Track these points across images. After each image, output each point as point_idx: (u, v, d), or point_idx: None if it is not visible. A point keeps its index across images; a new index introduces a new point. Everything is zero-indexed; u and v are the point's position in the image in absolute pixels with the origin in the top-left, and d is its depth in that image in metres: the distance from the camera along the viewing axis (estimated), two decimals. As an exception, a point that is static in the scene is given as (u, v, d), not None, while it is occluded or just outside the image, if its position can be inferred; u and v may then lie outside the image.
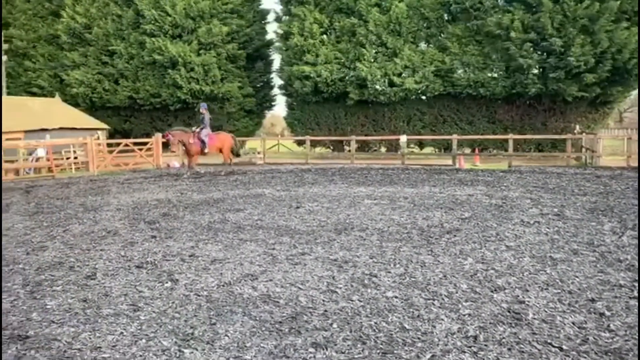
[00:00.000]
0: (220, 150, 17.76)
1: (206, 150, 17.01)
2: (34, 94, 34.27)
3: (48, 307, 4.38)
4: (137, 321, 4.04)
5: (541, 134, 24.07)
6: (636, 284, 4.80)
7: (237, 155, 19.56)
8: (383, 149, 30.08)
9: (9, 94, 32.93)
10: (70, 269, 5.61)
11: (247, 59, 34.13)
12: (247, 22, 33.55)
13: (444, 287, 4.83)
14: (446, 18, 28.07)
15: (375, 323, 3.98)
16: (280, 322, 4.02)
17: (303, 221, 8.28)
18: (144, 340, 3.67)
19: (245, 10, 33.70)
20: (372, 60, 28.41)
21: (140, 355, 3.42)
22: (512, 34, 23.94)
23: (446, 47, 27.16)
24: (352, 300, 4.50)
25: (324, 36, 30.61)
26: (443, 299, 4.51)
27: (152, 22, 32.29)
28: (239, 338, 3.71)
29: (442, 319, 4.05)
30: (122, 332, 3.81)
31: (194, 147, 16.73)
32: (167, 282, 5.07)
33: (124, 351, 3.50)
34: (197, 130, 16.92)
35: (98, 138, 22.68)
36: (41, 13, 36.79)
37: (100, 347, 3.55)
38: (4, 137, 19.62)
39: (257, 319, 4.08)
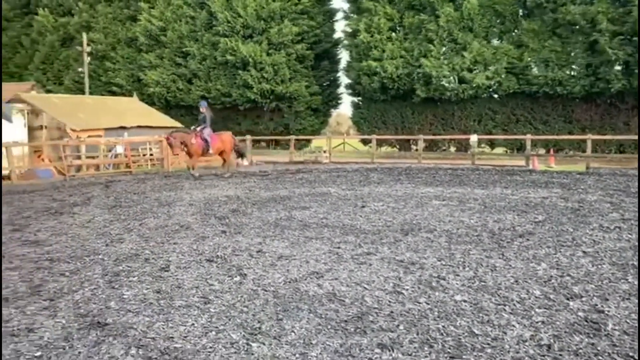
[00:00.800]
0: (222, 153, 16.90)
1: (211, 151, 16.27)
2: (113, 94, 36.18)
3: (125, 296, 4.60)
4: (208, 313, 4.16)
5: (623, 134, 22.64)
6: None
7: (242, 155, 18.89)
8: (452, 149, 29.42)
9: (91, 93, 34.96)
10: (146, 260, 5.87)
11: (314, 59, 34.41)
12: (317, 23, 33.84)
13: (516, 293, 4.65)
14: (520, 13, 26.96)
15: (443, 326, 3.89)
16: (345, 320, 4.02)
17: (368, 221, 8.24)
18: (213, 333, 3.77)
19: (316, 11, 33.97)
20: (440, 57, 27.81)
21: (210, 347, 3.52)
22: (603, 25, 22.61)
23: (521, 44, 26.14)
24: (419, 303, 4.42)
25: (392, 33, 30.35)
26: (515, 305, 4.34)
27: (225, 23, 33.20)
28: (304, 335, 3.73)
29: (514, 325, 3.89)
30: (193, 324, 3.94)
31: (195, 147, 15.76)
32: (236, 277, 5.19)
33: (195, 342, 3.61)
34: (199, 129, 16.10)
35: (172, 136, 23.55)
36: (120, 17, 38.74)
37: (172, 337, 3.68)
38: (87, 134, 20.86)
39: (323, 316, 4.10)
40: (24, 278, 5.20)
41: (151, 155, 21.30)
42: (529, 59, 25.78)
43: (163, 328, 3.86)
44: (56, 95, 28.20)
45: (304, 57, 33.72)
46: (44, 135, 20.96)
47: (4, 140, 17.00)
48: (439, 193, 11.52)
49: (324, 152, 24.18)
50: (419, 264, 5.64)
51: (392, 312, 4.21)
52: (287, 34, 32.53)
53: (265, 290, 4.76)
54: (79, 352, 3.44)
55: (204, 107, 16.74)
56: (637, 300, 4.40)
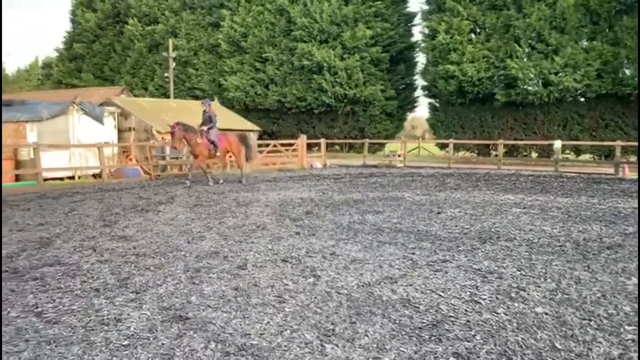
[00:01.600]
0: (230, 155, 16.09)
1: (218, 154, 15.22)
2: (196, 98, 37.76)
3: (205, 292, 4.79)
4: (283, 312, 4.24)
5: None
6: None
7: (247, 158, 16.70)
8: (534, 155, 28.22)
9: (175, 97, 36.66)
10: (225, 258, 6.08)
11: (389, 62, 34.19)
12: (391, 25, 33.62)
13: (603, 308, 4.38)
14: (616, 10, 25.16)
15: (523, 339, 3.74)
16: (420, 327, 3.96)
17: (444, 227, 8.07)
18: (288, 332, 3.84)
19: (390, 13, 33.79)
20: (525, 57, 26.67)
21: (285, 346, 3.59)
22: None
23: (617, 42, 24.45)
24: (497, 313, 4.27)
25: (472, 35, 29.57)
26: (601, 320, 4.09)
27: (302, 28, 33.74)
28: (378, 339, 3.72)
29: (600, 342, 3.67)
30: (268, 322, 4.03)
31: (200, 149, 14.56)
32: (309, 278, 5.26)
33: (270, 340, 3.69)
34: (205, 129, 14.81)
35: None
36: (203, 24, 40.41)
37: (249, 334, 3.79)
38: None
39: (397, 322, 4.06)
40: (113, 271, 5.54)
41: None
42: (626, 59, 24.08)
43: (240, 324, 3.98)
44: (144, 99, 29.87)
45: (378, 60, 33.62)
46: (132, 136, 22.24)
47: (96, 140, 18.22)
48: (519, 200, 11.08)
49: (399, 156, 23.96)
50: (497, 273, 5.46)
51: (468, 321, 4.10)
52: (360, 38, 32.56)
53: (339, 293, 4.78)
54: (162, 344, 3.62)
55: (207, 105, 15.39)
56: None
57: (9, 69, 70.37)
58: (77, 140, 18.55)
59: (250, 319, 4.11)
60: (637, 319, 4.14)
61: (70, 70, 48.25)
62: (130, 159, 19.92)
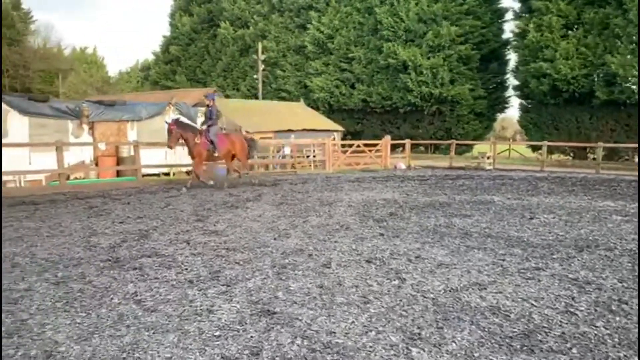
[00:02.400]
0: (233, 156, 14.35)
1: (216, 154, 13.65)
2: (282, 99, 38.67)
3: (291, 288, 4.89)
4: (367, 313, 4.24)
5: None
6: None
7: (248, 157, 15.00)
8: (636, 159, 26.17)
9: (263, 98, 37.77)
10: (309, 256, 6.17)
11: (480, 60, 33.14)
12: (483, 22, 32.57)
13: None
14: None
15: (625, 356, 3.48)
16: (510, 337, 3.80)
17: (537, 233, 7.69)
18: (373, 333, 3.83)
19: (482, 11, 32.71)
20: (629, 54, 24.81)
21: (370, 347, 3.58)
22: None
23: None
24: (595, 326, 4.01)
25: (569, 31, 27.97)
26: None
27: (389, 28, 33.54)
28: (466, 346, 3.61)
29: None
30: (353, 322, 4.04)
31: (199, 149, 13.25)
32: (394, 280, 5.21)
33: (355, 340, 3.70)
34: (205, 127, 13.59)
35: (334, 139, 24.49)
36: (290, 26, 41.28)
37: (334, 333, 3.82)
38: (259, 136, 22.55)
39: (486, 330, 3.92)
40: (205, 264, 5.80)
41: (314, 157, 22.31)
42: None
43: (326, 322, 4.02)
44: (233, 100, 31.05)
45: (468, 59, 32.67)
46: (222, 136, 23.13)
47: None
48: (620, 208, 10.33)
49: (487, 158, 23.13)
50: (595, 284, 5.12)
51: (563, 333, 3.88)
52: (444, 35, 31.79)
53: (425, 297, 4.70)
54: (251, 337, 3.74)
55: (211, 100, 13.92)
56: None
57: (112, 71, 75.75)
58: (173, 139, 19.57)
59: (335, 317, 4.14)
60: None
61: (166, 72, 51.10)
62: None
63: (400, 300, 4.59)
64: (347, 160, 22.08)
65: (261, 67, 38.77)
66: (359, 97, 36.13)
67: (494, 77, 34.38)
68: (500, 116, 42.09)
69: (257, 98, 37.83)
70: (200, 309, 4.30)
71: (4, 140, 15.31)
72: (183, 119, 14.29)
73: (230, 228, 8.00)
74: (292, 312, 4.25)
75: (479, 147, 32.49)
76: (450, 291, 4.88)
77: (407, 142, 24.58)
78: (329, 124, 29.29)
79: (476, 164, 22.97)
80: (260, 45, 39.15)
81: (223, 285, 4.99)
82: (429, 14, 32.61)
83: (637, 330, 3.95)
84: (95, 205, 10.40)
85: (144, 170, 16.54)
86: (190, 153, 13.39)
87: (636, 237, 7.42)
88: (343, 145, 23.86)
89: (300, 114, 28.71)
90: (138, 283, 5.06)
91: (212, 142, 13.31)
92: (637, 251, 6.53)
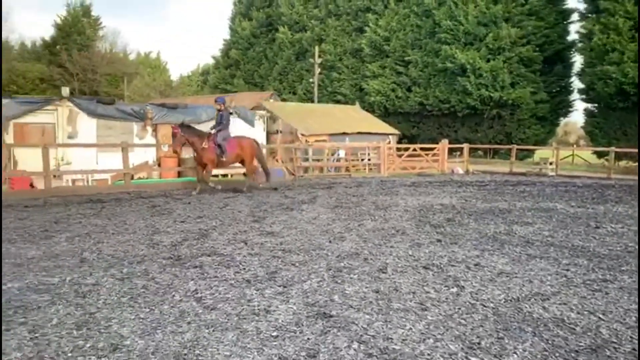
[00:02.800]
0: (242, 161, 13.82)
1: (223, 159, 13.04)
2: (338, 102, 38.76)
3: (347, 292, 4.88)
4: (425, 320, 4.17)
5: None
6: None
7: (266, 172, 14.43)
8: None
9: (318, 101, 38.00)
10: (365, 260, 6.14)
11: (543, 62, 32.02)
12: (546, 23, 31.47)
13: None
14: None
15: None
16: (576, 351, 3.64)
17: (603, 243, 7.33)
18: (431, 340, 3.76)
19: (547, 12, 31.60)
20: None
21: (428, 354, 3.52)
22: None
23: None
24: (671, 345, 3.78)
25: (637, 33, 26.60)
26: None
27: (447, 31, 33.02)
28: (529, 358, 3.49)
29: None
30: (410, 328, 3.99)
31: (207, 154, 12.75)
32: (452, 288, 5.11)
33: (413, 347, 3.65)
34: (214, 132, 13.04)
35: (389, 142, 24.32)
36: (348, 29, 41.35)
37: (391, 339, 3.78)
38: (314, 138, 22.72)
39: (550, 342, 3.77)
40: (262, 264, 5.88)
41: (369, 160, 22.23)
42: None
43: (382, 328, 3.99)
44: (290, 103, 31.40)
45: (530, 61, 31.65)
46: (278, 138, 23.48)
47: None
48: (698, 218, 9.69)
49: (550, 163, 22.30)
50: (670, 299, 4.82)
51: (634, 349, 3.68)
52: (504, 37, 30.90)
53: (484, 306, 4.57)
54: (308, 339, 3.76)
55: (221, 104, 13.42)
56: None
57: (174, 75, 78.28)
58: (231, 141, 20.03)
59: (392, 323, 4.10)
60: None
61: (225, 76, 52.35)
62: (277, 160, 21.03)
63: (459, 308, 4.49)
64: (402, 164, 21.87)
65: (317, 70, 39.04)
66: (416, 100, 35.72)
67: (558, 80, 33.11)
68: (563, 120, 40.49)
69: (312, 101, 38.11)
70: (258, 309, 4.37)
71: (74, 141, 16.15)
72: (189, 123, 14.04)
73: (286, 229, 8.09)
74: (348, 315, 4.24)
75: (541, 152, 31.36)
76: (511, 301, 4.73)
77: (465, 147, 24.06)
78: (385, 127, 29.10)
79: (538, 170, 22.19)
80: (317, 49, 39.44)
81: (280, 286, 5.05)
82: (489, 16, 31.84)
83: None
84: (157, 205, 10.78)
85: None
86: (198, 158, 12.90)
87: None
88: (399, 149, 23.64)
89: (356, 117, 28.68)
90: (198, 281, 5.19)
91: (220, 147, 12.84)
92: None
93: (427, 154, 22.13)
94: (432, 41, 34.62)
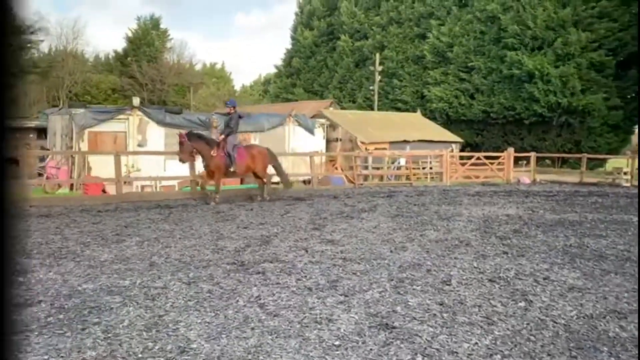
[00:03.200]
0: (254, 172, 13.01)
1: (232, 169, 12.30)
2: (398, 109, 38.44)
3: (410, 303, 4.80)
4: (492, 335, 4.03)
5: None
6: None
7: (287, 184, 14.11)
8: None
9: (378, 109, 37.83)
10: (428, 271, 6.03)
11: (617, 67, 30.45)
12: (620, 25, 29.93)
13: None
14: None
15: None
16: (659, 375, 3.41)
17: (688, 259, 6.84)
18: (498, 356, 3.64)
19: (619, 13, 30.07)
20: None
21: (496, 371, 3.41)
22: None
23: None
24: None
25: None
26: None
27: (514, 36, 32.09)
28: (605, 381, 3.30)
29: None
30: (476, 343, 3.87)
31: (215, 162, 12.14)
32: (520, 302, 4.92)
33: (479, 362, 3.54)
34: (222, 137, 12.38)
35: (452, 150, 23.85)
36: (410, 36, 41.00)
37: (456, 352, 3.68)
38: (374, 146, 22.63)
39: (629, 364, 3.56)
40: (323, 272, 5.90)
41: (431, 168, 21.87)
42: None
43: (447, 341, 3.89)
44: (350, 111, 31.44)
45: (602, 65, 30.17)
46: (338, 146, 23.56)
47: (307, 149, 19.70)
48: None
49: (624, 173, 21.10)
50: None
51: None
52: (573, 43, 29.59)
53: (555, 322, 4.37)
54: (370, 349, 3.72)
55: (231, 107, 12.72)
56: None
57: (237, 85, 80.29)
58: (292, 149, 20.31)
59: (457, 336, 3.99)
60: None
61: (286, 85, 53.19)
62: (336, 168, 21.10)
63: (528, 324, 4.31)
64: (465, 172, 21.36)
65: (377, 78, 38.93)
66: (479, 107, 34.86)
67: (633, 85, 31.36)
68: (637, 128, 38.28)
69: (372, 109, 37.99)
70: (320, 317, 4.37)
71: (143, 149, 16.88)
72: (197, 131, 13.69)
73: (346, 238, 8.07)
74: (411, 327, 4.17)
75: (614, 161, 29.75)
76: (584, 318, 4.50)
77: (532, 155, 23.18)
78: (447, 135, 28.57)
79: (611, 180, 21.05)
80: (377, 57, 39.35)
81: (341, 295, 5.04)
82: (558, 20, 30.67)
83: None
84: (222, 211, 11.05)
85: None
86: (207, 167, 12.35)
87: None
88: (462, 157, 23.12)
89: (417, 125, 28.34)
90: (261, 287, 5.27)
91: (229, 156, 12.18)
92: None
93: (491, 163, 21.50)
94: (496, 47, 33.74)
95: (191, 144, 12.00)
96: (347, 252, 7.04)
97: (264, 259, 6.56)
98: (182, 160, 12.43)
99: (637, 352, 3.79)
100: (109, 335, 3.95)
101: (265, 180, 13.23)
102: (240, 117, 12.82)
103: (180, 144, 12.12)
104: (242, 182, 17.58)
